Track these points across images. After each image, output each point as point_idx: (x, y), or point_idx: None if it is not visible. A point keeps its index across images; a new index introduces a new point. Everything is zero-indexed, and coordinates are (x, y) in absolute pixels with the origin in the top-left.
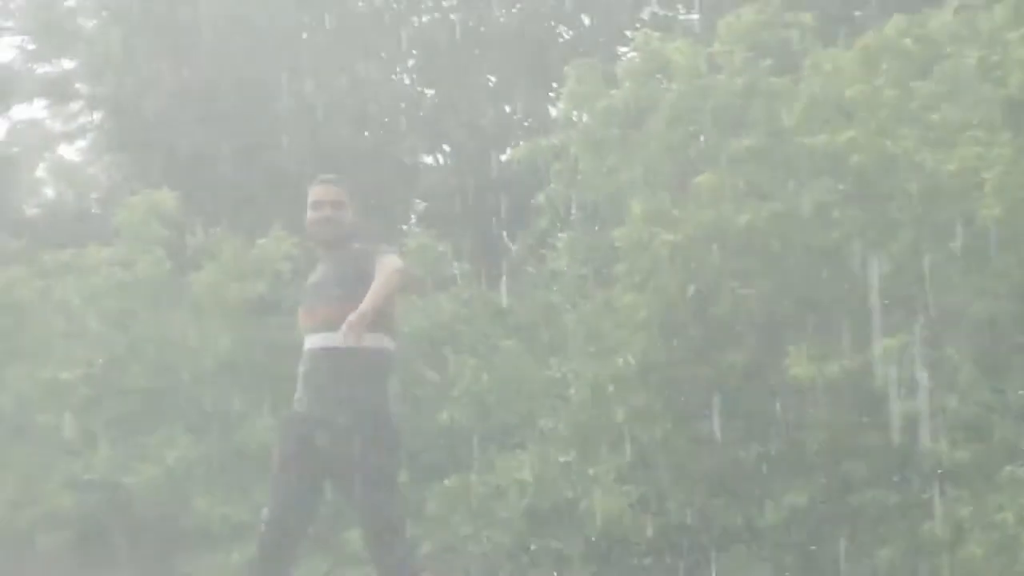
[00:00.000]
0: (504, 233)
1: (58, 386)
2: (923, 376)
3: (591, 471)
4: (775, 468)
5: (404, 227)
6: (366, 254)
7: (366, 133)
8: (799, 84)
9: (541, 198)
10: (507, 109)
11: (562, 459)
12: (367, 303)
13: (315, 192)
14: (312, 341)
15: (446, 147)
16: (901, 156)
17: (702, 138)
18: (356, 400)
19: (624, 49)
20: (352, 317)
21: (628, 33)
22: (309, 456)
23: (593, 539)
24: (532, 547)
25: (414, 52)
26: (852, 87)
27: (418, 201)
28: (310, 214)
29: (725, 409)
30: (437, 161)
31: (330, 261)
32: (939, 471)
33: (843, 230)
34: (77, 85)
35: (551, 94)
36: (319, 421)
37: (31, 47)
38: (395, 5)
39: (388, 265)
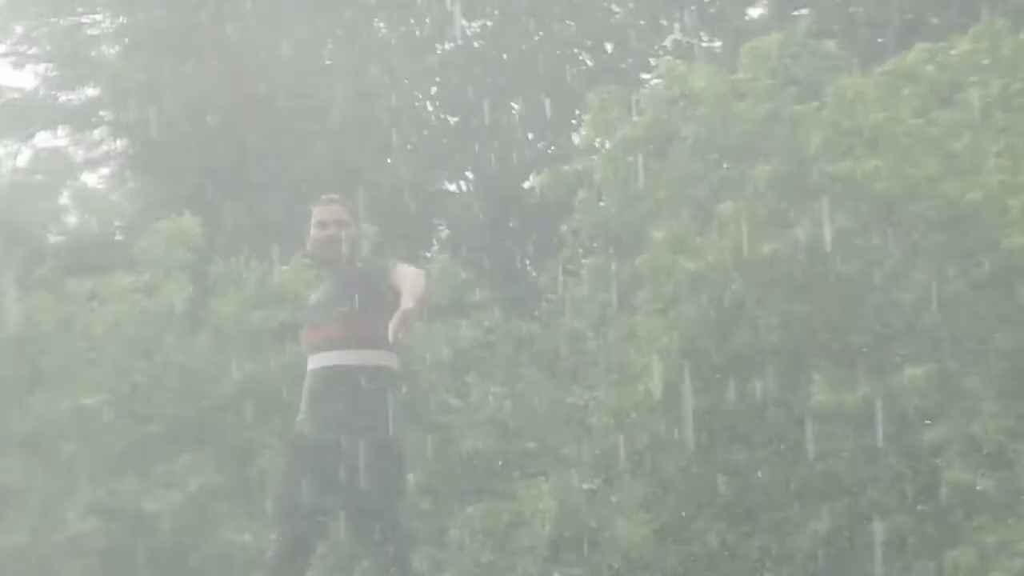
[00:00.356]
0: (527, 260)
1: (80, 412)
2: (947, 404)
3: (614, 499)
4: (798, 495)
5: (427, 254)
6: (379, 269)
7: (389, 160)
8: (821, 111)
9: (565, 229)
10: (530, 136)
11: (585, 487)
12: (413, 298)
13: (319, 212)
14: (318, 360)
15: (469, 174)
16: (924, 184)
17: (725, 165)
18: (364, 420)
19: (647, 76)
20: (405, 310)
21: (651, 60)
22: (317, 478)
23: (616, 567)
24: (555, 575)
25: (437, 79)
26: (874, 115)
27: (441, 228)
28: (314, 233)
29: (748, 436)
30: (460, 188)
31: (334, 280)
32: (963, 499)
33: (866, 258)
34: (101, 112)
35: (574, 121)
36: (327, 442)
37: (54, 75)
38: (419, 32)
39: (411, 271)
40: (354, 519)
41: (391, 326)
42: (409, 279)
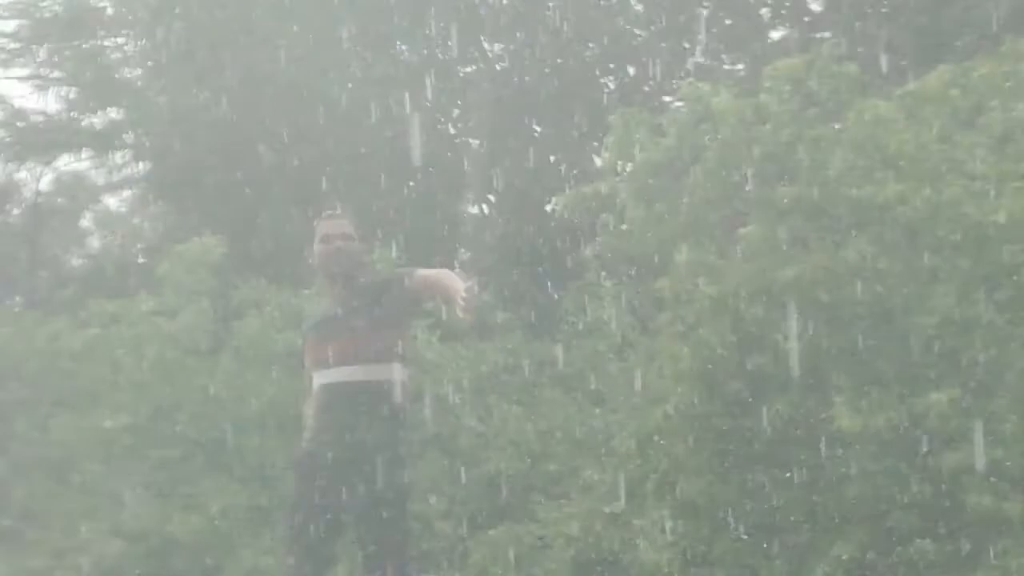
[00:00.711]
0: (549, 282)
1: (103, 435)
2: (970, 428)
3: (637, 522)
4: (821, 519)
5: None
6: (393, 279)
7: (411, 183)
8: (843, 134)
9: (588, 252)
10: (552, 159)
11: (607, 510)
12: (461, 282)
13: (323, 226)
14: (328, 376)
15: (491, 196)
16: (947, 207)
17: (747, 188)
18: (377, 437)
19: (669, 99)
20: (466, 292)
21: (673, 83)
22: (330, 497)
23: None
24: None
25: (459, 102)
26: (897, 138)
27: (463, 250)
28: (319, 248)
29: (770, 460)
30: (482, 210)
31: (341, 294)
32: (987, 523)
33: (888, 282)
34: (123, 136)
35: (596, 144)
36: (339, 459)
37: (77, 98)
38: (441, 56)
39: (435, 270)
40: (364, 538)
41: (461, 307)
42: (436, 273)
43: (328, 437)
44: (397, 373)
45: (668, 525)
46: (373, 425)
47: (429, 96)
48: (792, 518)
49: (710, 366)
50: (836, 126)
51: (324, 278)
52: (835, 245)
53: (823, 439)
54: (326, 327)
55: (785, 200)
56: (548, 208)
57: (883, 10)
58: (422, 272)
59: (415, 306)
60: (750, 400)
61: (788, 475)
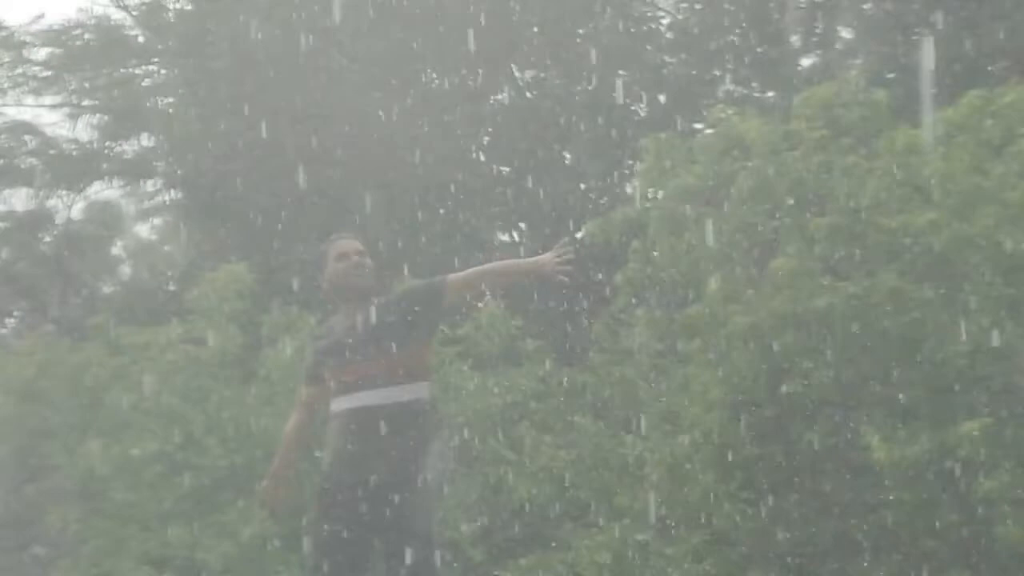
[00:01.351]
0: (579, 309)
1: (132, 462)
2: (1001, 457)
3: (668, 550)
4: (853, 548)
5: (479, 303)
6: (415, 290)
7: (441, 210)
8: (874, 162)
9: (619, 278)
10: (582, 186)
11: (639, 537)
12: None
13: (338, 247)
14: (357, 400)
15: (522, 224)
16: (979, 236)
17: (778, 215)
18: (410, 461)
19: (699, 126)
20: (546, 260)
21: (703, 111)
22: (360, 524)
23: None
24: None
25: (490, 129)
26: (930, 167)
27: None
28: (337, 267)
29: (801, 489)
30: (512, 237)
31: (359, 314)
32: (1017, 551)
33: (920, 310)
34: (155, 163)
35: (626, 172)
36: (370, 486)
37: (109, 125)
38: (471, 82)
39: (466, 272)
40: (395, 568)
41: (556, 268)
42: (477, 270)
43: (361, 464)
44: (426, 391)
45: (699, 554)
46: (410, 450)
47: (459, 123)
48: (824, 547)
49: (741, 394)
50: (865, 154)
51: (341, 298)
52: (867, 274)
53: (855, 468)
54: (347, 349)
55: (816, 229)
56: (578, 235)
57: (913, 37)
58: (455, 276)
59: (446, 315)
60: (781, 428)
61: (820, 503)
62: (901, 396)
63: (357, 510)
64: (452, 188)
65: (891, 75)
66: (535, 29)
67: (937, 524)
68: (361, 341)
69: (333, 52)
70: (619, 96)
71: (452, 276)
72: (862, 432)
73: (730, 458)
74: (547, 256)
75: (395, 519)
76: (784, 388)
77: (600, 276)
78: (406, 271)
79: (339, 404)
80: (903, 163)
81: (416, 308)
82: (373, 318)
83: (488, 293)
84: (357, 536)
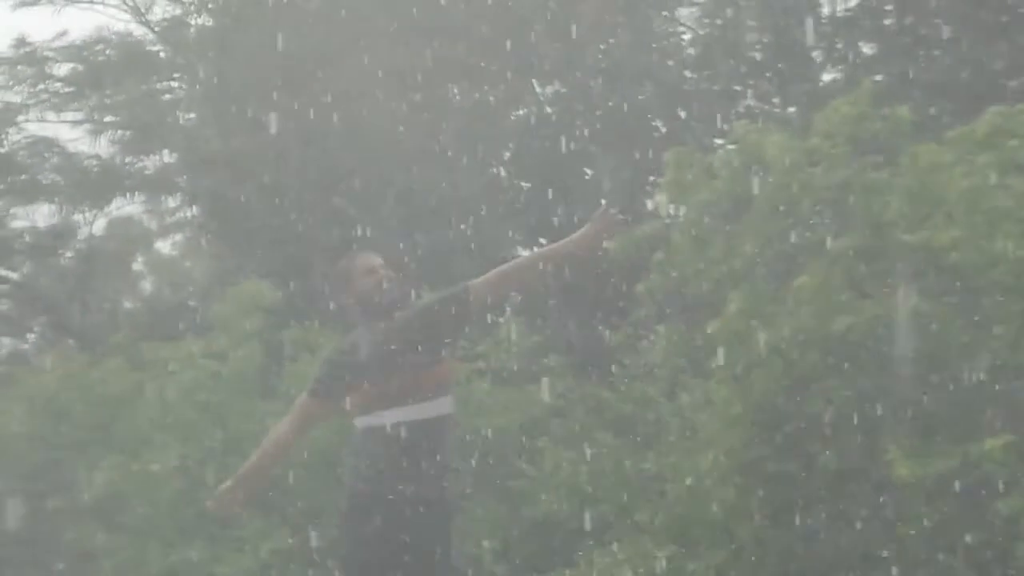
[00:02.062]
0: (600, 325)
1: (152, 478)
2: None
3: (690, 566)
4: (875, 565)
5: (500, 319)
6: (439, 301)
7: (463, 226)
8: (897, 178)
9: (640, 289)
10: (603, 202)
11: (660, 554)
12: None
13: (363, 261)
14: (392, 415)
15: (542, 239)
16: (1003, 252)
17: (799, 231)
18: (443, 475)
19: (720, 142)
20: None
21: (724, 125)
22: (396, 540)
23: None
24: None
25: (511, 145)
26: (954, 185)
27: (513, 293)
28: (366, 281)
29: (823, 506)
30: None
31: (387, 329)
32: None
33: (942, 327)
34: (176, 180)
35: (647, 187)
36: (411, 502)
37: (130, 141)
38: (492, 98)
39: (491, 274)
40: None
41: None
42: (502, 270)
43: (401, 480)
44: (453, 404)
45: (721, 570)
46: (443, 464)
47: (480, 138)
48: (845, 564)
49: (762, 411)
50: (888, 170)
51: (369, 313)
52: (889, 290)
53: (877, 484)
54: (378, 364)
55: (841, 247)
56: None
57: (935, 52)
58: (478, 282)
59: (472, 323)
60: (802, 445)
61: (841, 521)
62: (923, 413)
63: (395, 527)
64: (472, 204)
65: (914, 91)
66: (556, 44)
67: (959, 542)
68: (392, 355)
69: (353, 69)
70: (640, 111)
71: (474, 282)
72: (885, 449)
73: (752, 475)
74: (595, 227)
75: (431, 536)
76: (807, 407)
77: (623, 289)
78: (426, 287)
79: (372, 420)
80: (926, 180)
81: (443, 319)
82: (403, 332)
83: (517, 292)
84: (392, 554)
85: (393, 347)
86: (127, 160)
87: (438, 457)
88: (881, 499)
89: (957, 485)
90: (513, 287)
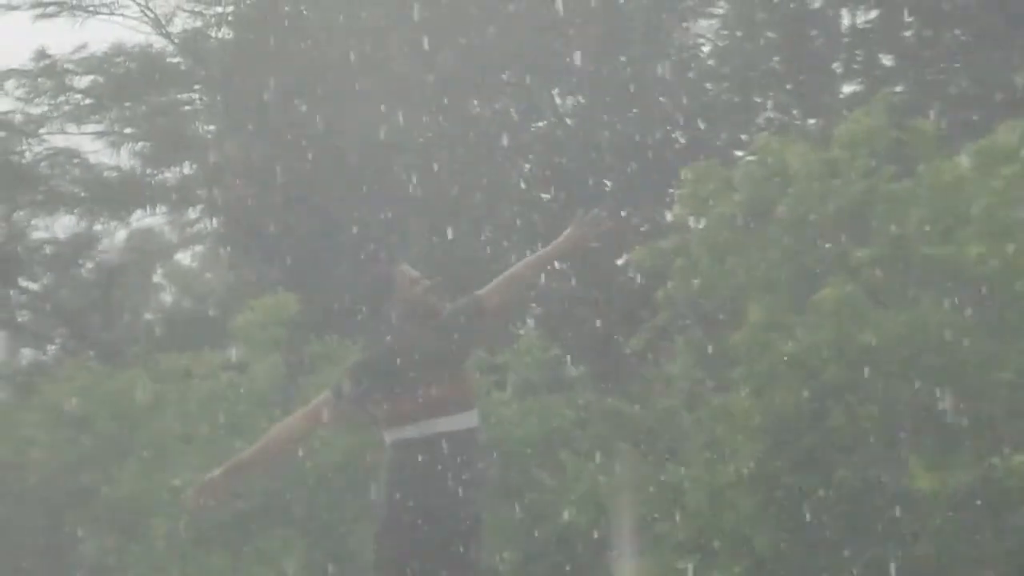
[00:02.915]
0: (620, 337)
1: (172, 490)
2: None
3: None
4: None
5: (520, 330)
6: (460, 313)
7: (483, 236)
8: (918, 191)
9: (660, 294)
10: (622, 213)
11: (680, 566)
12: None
13: (407, 272)
14: (429, 427)
15: None
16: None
17: (820, 243)
18: (477, 486)
19: (740, 153)
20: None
21: (744, 137)
22: (434, 555)
23: None
24: None
25: (530, 156)
26: (978, 201)
27: (533, 305)
28: (415, 289)
29: (843, 518)
30: (553, 265)
31: (416, 338)
32: None
33: (964, 340)
34: (197, 191)
35: (666, 198)
36: (449, 514)
37: (150, 153)
38: (512, 110)
39: (497, 282)
40: None
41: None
42: (506, 277)
43: (443, 494)
44: (478, 418)
45: None
46: (476, 477)
47: (501, 151)
48: (866, 575)
49: (783, 423)
50: (908, 182)
51: (408, 321)
52: (911, 303)
53: (897, 496)
54: (416, 374)
55: (860, 257)
56: (619, 262)
57: (956, 65)
58: (486, 291)
59: (486, 333)
60: (823, 458)
61: (861, 533)
62: (944, 425)
63: (432, 540)
64: (492, 214)
65: (935, 102)
66: (576, 56)
67: (980, 554)
68: (424, 367)
69: (373, 80)
70: (660, 123)
71: (483, 292)
72: (906, 461)
73: (771, 487)
74: (575, 231)
75: (465, 549)
76: (829, 421)
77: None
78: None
79: (406, 433)
80: (948, 193)
81: (467, 329)
82: (439, 341)
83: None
84: (428, 566)
85: (428, 353)
86: (147, 171)
87: (470, 469)
88: (901, 510)
89: (977, 497)
90: (516, 294)
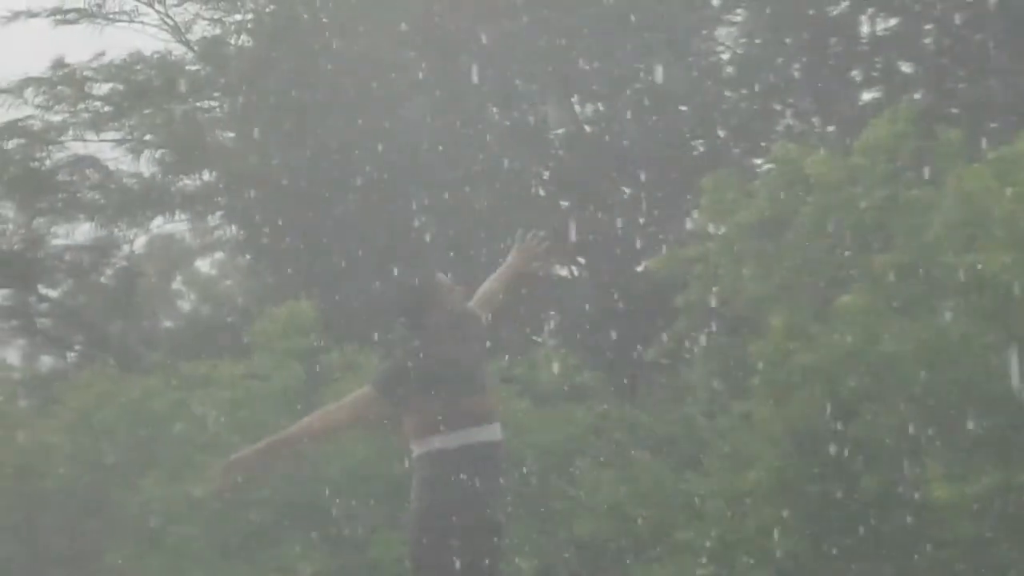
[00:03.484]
0: (639, 345)
1: (192, 500)
2: None
3: None
4: None
5: (537, 339)
6: (476, 321)
7: (502, 244)
8: (941, 199)
9: (680, 300)
10: (641, 221)
11: (700, 573)
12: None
13: (442, 278)
14: (482, 434)
15: (580, 259)
16: None
17: (840, 251)
18: (504, 495)
19: (759, 161)
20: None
21: (763, 145)
22: (466, 564)
23: None
24: None
25: (550, 164)
26: (1001, 208)
27: (552, 313)
28: (451, 297)
29: (863, 525)
30: (571, 272)
31: (463, 347)
32: None
33: (986, 351)
34: (216, 198)
35: (685, 206)
36: (495, 523)
37: (170, 160)
38: (531, 118)
39: (477, 294)
40: None
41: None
42: (483, 291)
43: (493, 498)
44: (502, 431)
45: None
46: (500, 488)
47: (520, 157)
48: None
49: (803, 432)
50: (931, 190)
51: (455, 327)
52: (931, 311)
53: (917, 505)
54: (463, 380)
55: (882, 266)
56: (639, 269)
57: (975, 73)
58: (477, 301)
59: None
60: (844, 467)
61: (883, 543)
62: (964, 434)
63: (465, 548)
64: (512, 221)
65: (954, 109)
66: (595, 64)
67: (998, 561)
68: (469, 373)
69: (392, 88)
70: (678, 130)
71: (477, 302)
72: (925, 471)
73: (790, 495)
74: (517, 255)
75: (494, 558)
76: (849, 430)
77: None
78: None
79: (438, 442)
80: (970, 201)
81: (482, 343)
82: (472, 349)
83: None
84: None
85: (470, 358)
86: (167, 178)
87: (499, 479)
88: (921, 519)
89: (996, 505)
90: (493, 310)
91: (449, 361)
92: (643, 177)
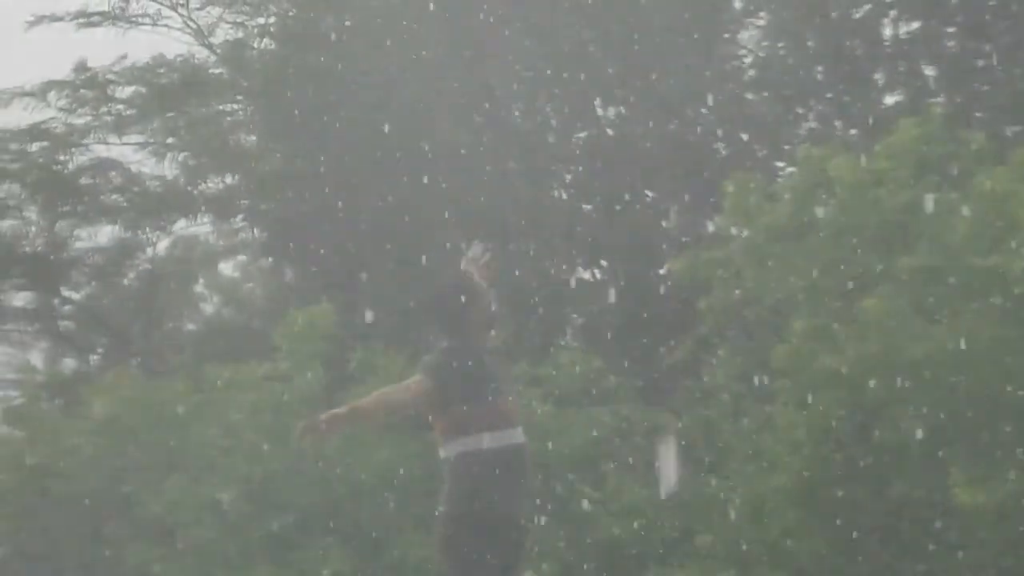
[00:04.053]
0: (662, 348)
1: (215, 504)
2: None
3: None
4: None
5: (561, 342)
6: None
7: (525, 247)
8: (965, 202)
9: (703, 304)
10: (664, 224)
11: None
12: None
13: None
14: (513, 436)
15: (603, 261)
16: None
17: (864, 253)
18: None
19: (781, 164)
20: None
21: (785, 148)
22: (496, 565)
23: None
24: None
25: (572, 167)
26: (1022, 209)
27: (575, 316)
28: (487, 298)
29: (885, 529)
30: (594, 275)
31: (484, 343)
32: None
33: (1014, 355)
34: (239, 201)
35: (708, 209)
36: (510, 523)
37: (193, 163)
38: (553, 122)
39: None
40: None
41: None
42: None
43: (523, 501)
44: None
45: None
46: (528, 489)
47: (542, 160)
48: None
49: (827, 435)
50: (955, 194)
51: (484, 332)
52: (956, 315)
53: (941, 508)
54: (494, 383)
55: (906, 269)
56: (662, 272)
57: (997, 75)
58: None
59: None
60: (868, 471)
61: (904, 544)
62: (988, 439)
63: (495, 549)
64: (534, 224)
65: (978, 113)
66: (618, 67)
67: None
68: (496, 376)
69: (414, 90)
70: (701, 133)
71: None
72: (950, 474)
73: (813, 499)
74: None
75: (520, 558)
76: (875, 435)
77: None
78: None
79: (471, 443)
80: (996, 204)
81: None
82: (491, 355)
83: None
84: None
85: (494, 364)
86: (190, 181)
87: (527, 482)
88: (945, 522)
89: (1018, 509)
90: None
91: (483, 363)
92: (665, 180)
